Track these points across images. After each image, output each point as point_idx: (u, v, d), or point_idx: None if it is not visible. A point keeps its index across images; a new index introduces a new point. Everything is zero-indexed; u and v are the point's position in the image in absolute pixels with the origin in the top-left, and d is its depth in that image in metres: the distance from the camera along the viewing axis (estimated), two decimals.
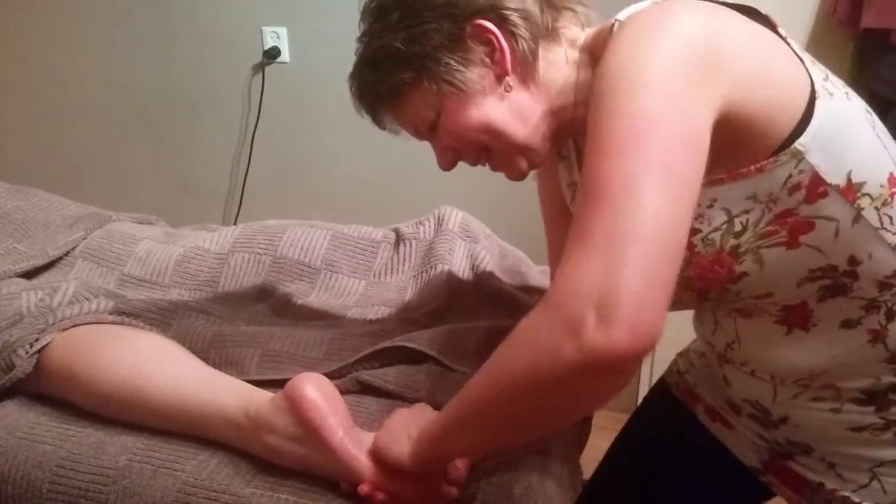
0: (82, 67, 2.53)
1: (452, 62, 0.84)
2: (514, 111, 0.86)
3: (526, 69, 0.85)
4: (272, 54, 2.32)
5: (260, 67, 2.36)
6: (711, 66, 0.68)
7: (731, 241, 0.76)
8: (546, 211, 1.13)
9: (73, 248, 1.42)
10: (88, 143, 2.61)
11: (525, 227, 1.60)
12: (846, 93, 0.78)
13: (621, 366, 0.58)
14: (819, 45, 1.79)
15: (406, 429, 0.84)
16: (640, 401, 2.30)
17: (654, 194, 0.61)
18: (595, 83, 0.72)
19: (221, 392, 0.98)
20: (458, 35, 0.84)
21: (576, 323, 0.59)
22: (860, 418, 0.84)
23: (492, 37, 0.84)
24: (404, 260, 1.45)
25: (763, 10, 0.81)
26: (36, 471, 0.94)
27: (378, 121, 0.94)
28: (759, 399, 0.90)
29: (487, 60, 0.85)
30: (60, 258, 1.40)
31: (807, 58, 0.77)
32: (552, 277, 1.15)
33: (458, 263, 1.39)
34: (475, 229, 1.46)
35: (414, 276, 1.41)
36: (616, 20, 0.81)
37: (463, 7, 0.84)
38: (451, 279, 1.34)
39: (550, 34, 0.87)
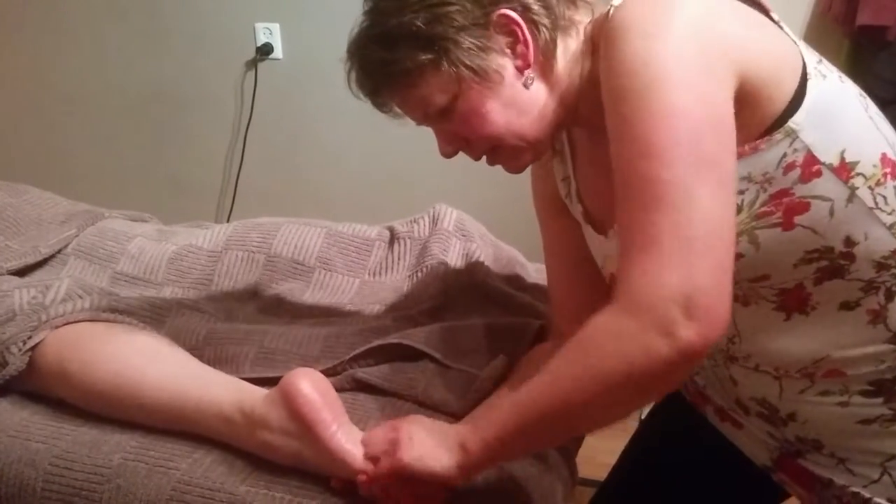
0: (75, 64, 2.51)
1: (474, 47, 0.81)
2: (531, 105, 0.84)
3: (546, 62, 0.84)
4: (265, 51, 2.31)
5: (253, 64, 2.35)
6: (720, 44, 0.71)
7: None
8: (541, 210, 1.09)
9: (66, 246, 1.41)
10: (80, 139, 2.60)
11: (519, 224, 1.60)
12: (839, 76, 0.79)
13: (707, 351, 0.67)
14: (814, 43, 1.76)
15: (436, 442, 0.83)
16: None
17: (706, 193, 0.67)
18: (609, 77, 0.73)
19: (215, 388, 0.97)
20: (484, 21, 0.81)
21: (666, 324, 0.65)
22: (869, 410, 0.84)
23: (516, 28, 0.82)
24: (399, 259, 1.44)
25: None
26: (29, 469, 0.93)
27: (379, 103, 0.89)
28: (765, 396, 0.89)
29: (508, 52, 0.83)
30: (53, 256, 1.39)
31: (801, 42, 0.79)
32: (549, 279, 1.10)
33: (453, 262, 1.38)
34: (470, 228, 1.46)
35: (409, 276, 1.40)
36: (612, 5, 0.80)
37: None
38: (447, 278, 1.34)
39: (566, 26, 0.85)
